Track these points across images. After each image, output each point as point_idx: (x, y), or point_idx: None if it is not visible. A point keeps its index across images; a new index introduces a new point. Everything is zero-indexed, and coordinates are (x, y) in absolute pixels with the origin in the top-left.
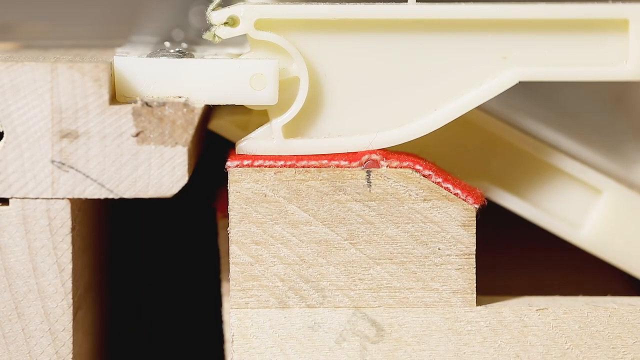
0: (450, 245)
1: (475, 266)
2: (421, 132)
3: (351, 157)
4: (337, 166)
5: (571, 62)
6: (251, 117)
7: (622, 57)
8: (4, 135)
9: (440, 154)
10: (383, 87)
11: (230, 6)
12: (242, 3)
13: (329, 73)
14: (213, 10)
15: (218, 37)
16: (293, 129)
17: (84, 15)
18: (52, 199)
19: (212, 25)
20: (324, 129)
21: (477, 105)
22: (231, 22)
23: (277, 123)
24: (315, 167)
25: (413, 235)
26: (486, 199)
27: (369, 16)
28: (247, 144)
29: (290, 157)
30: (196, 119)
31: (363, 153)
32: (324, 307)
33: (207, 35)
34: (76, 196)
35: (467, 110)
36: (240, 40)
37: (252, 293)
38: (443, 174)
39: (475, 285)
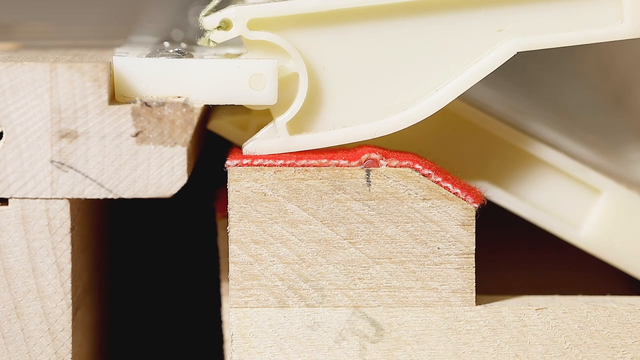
0: (450, 245)
1: (474, 265)
2: (426, 113)
3: (351, 156)
4: (337, 165)
5: (567, 27)
6: (250, 117)
7: (617, 16)
8: (3, 135)
9: (440, 154)
10: (383, 74)
11: (221, 10)
12: (233, 5)
13: (327, 66)
14: (205, 16)
15: (213, 42)
16: (297, 125)
17: (83, 15)
18: (51, 199)
19: (205, 31)
20: (328, 122)
21: (477, 81)
22: (224, 25)
23: (281, 121)
24: (314, 166)
25: (412, 235)
26: (486, 198)
27: (359, 4)
28: (254, 145)
29: (290, 156)
30: (195, 119)
31: (363, 152)
32: (324, 307)
33: (201, 41)
34: (75, 196)
35: (468, 87)
36: (240, 40)
37: (252, 292)
38: (442, 173)
39: (474, 284)
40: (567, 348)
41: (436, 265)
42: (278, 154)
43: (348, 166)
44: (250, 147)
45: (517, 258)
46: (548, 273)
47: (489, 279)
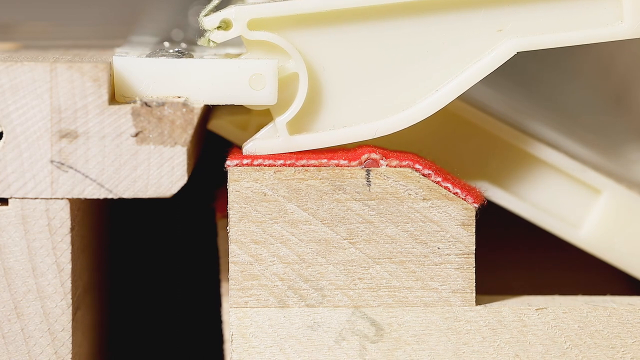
0: (450, 245)
1: (474, 265)
2: (426, 113)
3: (351, 156)
4: (337, 165)
5: (567, 27)
6: (250, 117)
7: (617, 16)
8: (3, 135)
9: (440, 154)
10: (383, 74)
11: (221, 10)
12: (233, 5)
13: (327, 66)
14: (205, 16)
15: (213, 42)
16: (297, 125)
17: (83, 15)
18: (51, 199)
19: (205, 31)
20: (328, 122)
21: (477, 81)
22: (224, 25)
23: (281, 121)
24: (314, 166)
25: (412, 235)
26: (486, 198)
27: (359, 4)
28: (254, 145)
29: (290, 156)
30: (195, 119)
31: (363, 152)
32: (324, 307)
33: (201, 41)
34: (75, 196)
35: (468, 87)
36: (240, 40)
37: (252, 292)
38: (442, 173)
39: (474, 284)
40: (567, 348)
41: (436, 265)
42: (278, 154)
43: (348, 166)
44: (250, 147)
45: (517, 258)
46: (548, 273)
47: (489, 279)
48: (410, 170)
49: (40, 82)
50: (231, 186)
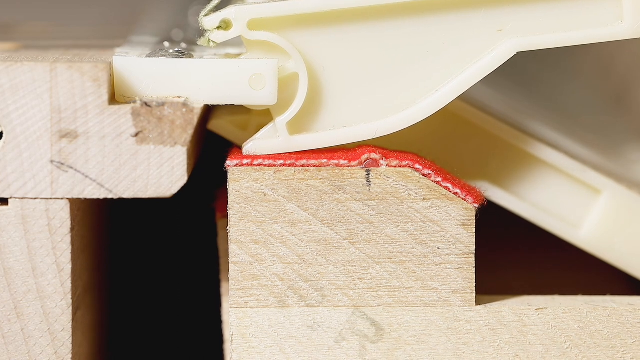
0: (450, 245)
1: (474, 265)
2: (426, 113)
3: (351, 156)
4: (337, 165)
5: (567, 27)
6: (250, 117)
7: (617, 16)
8: (3, 135)
9: (440, 154)
10: (383, 74)
11: (221, 10)
12: (233, 5)
13: (327, 66)
14: (205, 16)
15: (213, 42)
16: (297, 125)
17: (83, 15)
18: (51, 199)
19: (205, 31)
20: (328, 122)
21: (477, 81)
22: (224, 25)
23: (281, 121)
24: (314, 166)
25: (412, 235)
26: (486, 198)
27: (359, 4)
28: (254, 145)
29: (290, 156)
30: (195, 119)
31: (363, 152)
32: (324, 307)
33: (201, 41)
34: (75, 196)
35: (468, 87)
36: (240, 40)
37: (252, 292)
38: (442, 173)
39: (474, 284)
40: (567, 348)
41: (436, 265)
42: (278, 154)
43: (348, 166)
44: (250, 147)
45: (517, 258)
46: (548, 273)
47: (489, 279)
48: (410, 170)
49: (40, 82)
50: (231, 186)
